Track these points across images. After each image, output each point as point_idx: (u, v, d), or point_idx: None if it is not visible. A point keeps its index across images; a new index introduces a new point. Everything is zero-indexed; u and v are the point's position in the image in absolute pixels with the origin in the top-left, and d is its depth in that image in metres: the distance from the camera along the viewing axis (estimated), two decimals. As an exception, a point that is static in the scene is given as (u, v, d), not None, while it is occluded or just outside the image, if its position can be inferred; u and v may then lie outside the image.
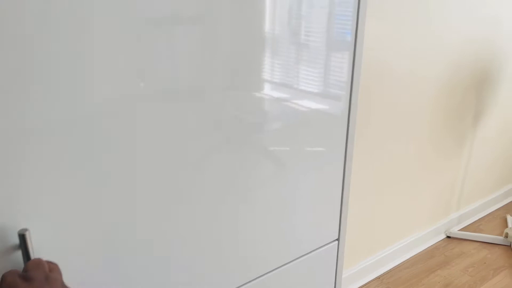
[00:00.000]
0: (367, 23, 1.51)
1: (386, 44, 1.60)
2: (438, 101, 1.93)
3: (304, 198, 0.90)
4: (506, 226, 2.39)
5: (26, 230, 0.55)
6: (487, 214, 2.56)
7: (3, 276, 0.49)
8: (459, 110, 2.08)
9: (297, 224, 0.91)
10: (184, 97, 0.65)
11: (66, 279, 0.62)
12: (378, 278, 1.99)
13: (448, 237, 2.32)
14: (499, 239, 2.25)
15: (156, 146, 0.65)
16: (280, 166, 0.82)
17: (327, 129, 0.89)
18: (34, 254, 0.58)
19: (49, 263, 0.56)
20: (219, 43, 0.67)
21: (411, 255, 2.16)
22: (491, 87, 2.20)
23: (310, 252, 0.97)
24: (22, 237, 0.55)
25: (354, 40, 0.86)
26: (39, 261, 0.53)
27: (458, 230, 2.37)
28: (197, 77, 0.66)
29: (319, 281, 1.02)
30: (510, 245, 2.22)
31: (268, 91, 0.75)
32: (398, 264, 2.09)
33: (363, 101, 1.61)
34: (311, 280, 1.00)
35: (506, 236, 2.22)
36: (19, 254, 0.57)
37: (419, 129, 1.92)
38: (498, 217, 2.52)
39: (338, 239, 1.03)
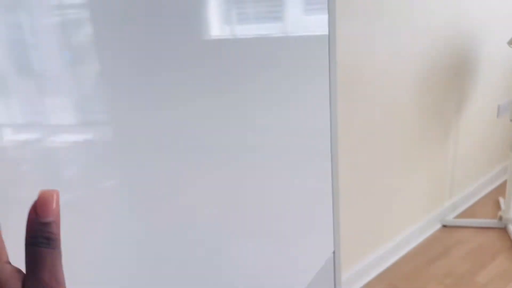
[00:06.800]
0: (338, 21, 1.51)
1: (361, 40, 1.60)
2: (419, 94, 1.94)
3: (295, 214, 0.89)
4: (500, 208, 2.41)
5: None
6: (480, 198, 2.57)
7: None
8: (441, 101, 2.09)
9: (292, 246, 0.90)
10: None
11: None
12: (378, 276, 1.99)
13: (444, 226, 2.33)
14: (493, 222, 2.26)
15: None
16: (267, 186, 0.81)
17: (311, 136, 0.88)
18: None
19: None
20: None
21: (409, 249, 2.16)
22: (470, 74, 2.21)
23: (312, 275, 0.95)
24: None
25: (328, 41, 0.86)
26: None
27: (453, 218, 2.38)
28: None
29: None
30: (504, 228, 2.23)
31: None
32: (397, 260, 2.09)
33: (344, 102, 1.61)
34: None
35: (500, 218, 2.24)
36: None
37: (403, 123, 1.92)
38: (491, 200, 2.54)
39: (334, 251, 1.02)
